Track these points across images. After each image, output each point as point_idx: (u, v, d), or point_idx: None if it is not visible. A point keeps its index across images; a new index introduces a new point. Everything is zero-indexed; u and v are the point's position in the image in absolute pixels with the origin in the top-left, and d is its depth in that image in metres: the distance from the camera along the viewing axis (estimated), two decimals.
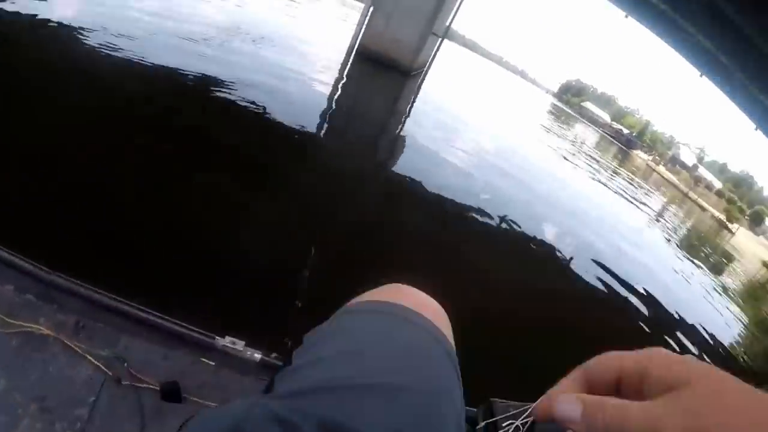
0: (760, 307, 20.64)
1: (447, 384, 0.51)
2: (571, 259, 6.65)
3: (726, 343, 9.27)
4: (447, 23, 14.69)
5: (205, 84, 5.60)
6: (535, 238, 6.42)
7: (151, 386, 1.20)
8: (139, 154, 3.46)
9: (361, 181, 5.48)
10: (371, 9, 11.99)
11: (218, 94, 5.50)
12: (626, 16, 16.01)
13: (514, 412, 1.21)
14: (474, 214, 5.96)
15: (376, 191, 5.43)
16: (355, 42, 12.24)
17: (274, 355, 1.44)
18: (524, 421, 1.10)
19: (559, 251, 6.53)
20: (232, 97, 5.56)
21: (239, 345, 1.42)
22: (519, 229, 6.30)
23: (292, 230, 3.45)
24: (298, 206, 3.90)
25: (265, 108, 5.75)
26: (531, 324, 3.96)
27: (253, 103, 5.68)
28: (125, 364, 1.21)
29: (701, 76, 16.97)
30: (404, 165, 6.57)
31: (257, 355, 1.43)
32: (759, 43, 10.56)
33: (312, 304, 2.52)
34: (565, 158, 19.38)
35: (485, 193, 7.27)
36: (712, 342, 8.13)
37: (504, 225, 6.20)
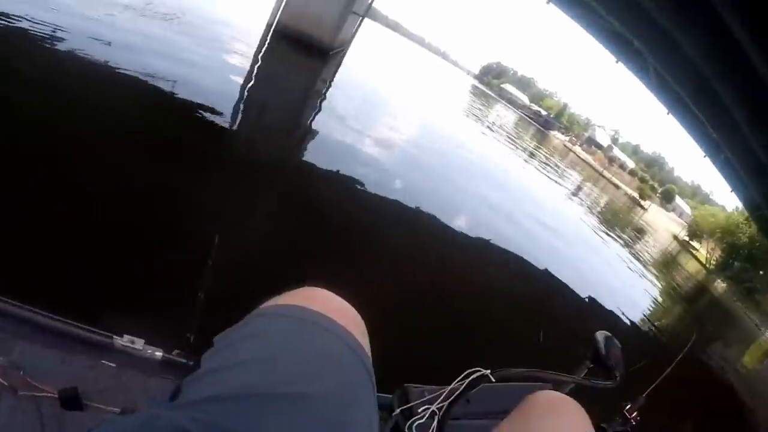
0: (672, 276, 22.47)
1: (359, 392, 0.51)
2: (488, 240, 6.86)
3: (640, 316, 10.06)
4: (369, 2, 14.33)
5: (107, 71, 4.99)
6: (448, 227, 6.46)
7: (50, 394, 1.15)
8: (26, 145, 3.19)
9: (273, 169, 5.23)
10: None
11: (122, 81, 4.97)
12: (548, 2, 16.26)
13: (429, 396, 1.22)
14: (387, 205, 5.86)
15: (286, 181, 5.19)
16: (275, 18, 11.69)
17: (176, 352, 1.39)
18: (440, 405, 1.09)
19: (479, 237, 6.70)
20: (139, 86, 5.06)
21: (139, 344, 1.37)
22: (435, 219, 6.30)
23: (193, 221, 3.31)
24: (200, 196, 3.73)
25: (173, 94, 5.32)
26: (443, 309, 4.08)
27: (160, 90, 5.24)
28: (21, 372, 1.16)
29: (617, 62, 17.62)
30: (316, 153, 6.34)
31: (158, 354, 1.38)
32: (671, 30, 10.98)
33: (216, 296, 2.29)
34: (483, 137, 19.88)
35: (400, 180, 7.26)
36: (628, 315, 8.73)
37: (419, 215, 6.17)
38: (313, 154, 6.20)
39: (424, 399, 1.21)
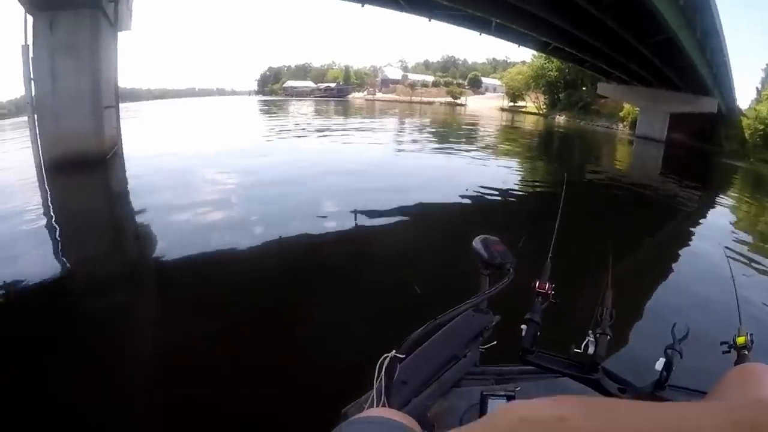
0: (518, 140, 24.76)
1: None
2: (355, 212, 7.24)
3: (517, 185, 11.24)
4: (113, 90, 13.53)
5: None
6: (326, 234, 6.65)
7: None
8: None
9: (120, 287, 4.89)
10: (36, 115, 10.51)
11: None
12: None
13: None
14: (249, 245, 5.99)
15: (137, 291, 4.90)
16: (39, 154, 10.64)
17: None
18: None
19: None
20: None
21: None
22: (297, 240, 6.35)
23: None
24: None
25: None
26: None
27: None
28: None
29: (363, 5, 18.55)
30: (164, 246, 6.06)
31: None
32: None
33: None
34: (299, 137, 20.13)
35: (252, 216, 7.38)
36: (508, 191, 9.85)
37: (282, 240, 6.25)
38: (159, 251, 5.90)
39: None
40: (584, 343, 1.17)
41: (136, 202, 8.48)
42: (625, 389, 1.20)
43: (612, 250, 1.43)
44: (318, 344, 3.51)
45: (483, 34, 21.44)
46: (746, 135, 26.38)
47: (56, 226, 6.95)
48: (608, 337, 1.17)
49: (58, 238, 6.45)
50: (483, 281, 1.38)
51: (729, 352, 1.17)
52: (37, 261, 5.41)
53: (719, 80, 24.26)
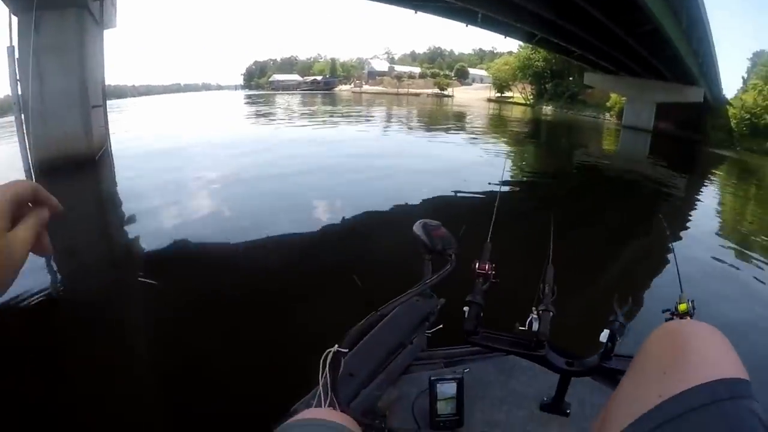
0: (508, 130, 24.95)
1: None
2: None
3: (510, 175, 11.33)
4: (101, 89, 13.54)
5: None
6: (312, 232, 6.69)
7: None
8: None
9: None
10: (23, 117, 10.46)
11: None
12: None
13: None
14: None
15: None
16: (28, 159, 10.57)
17: None
18: None
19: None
20: None
21: None
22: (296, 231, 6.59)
23: None
24: None
25: None
26: None
27: None
28: None
29: None
30: (159, 239, 6.20)
31: None
32: None
33: None
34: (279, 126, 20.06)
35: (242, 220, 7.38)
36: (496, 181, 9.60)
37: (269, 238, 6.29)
38: (155, 242, 6.06)
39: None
40: (528, 321, 1.16)
41: (126, 206, 8.46)
42: (572, 362, 1.21)
43: (553, 226, 1.40)
44: None
45: (469, 26, 21.58)
46: (732, 124, 26.57)
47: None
48: (551, 313, 1.16)
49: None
50: (425, 266, 1.40)
51: (672, 318, 1.13)
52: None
53: (705, 70, 24.46)
